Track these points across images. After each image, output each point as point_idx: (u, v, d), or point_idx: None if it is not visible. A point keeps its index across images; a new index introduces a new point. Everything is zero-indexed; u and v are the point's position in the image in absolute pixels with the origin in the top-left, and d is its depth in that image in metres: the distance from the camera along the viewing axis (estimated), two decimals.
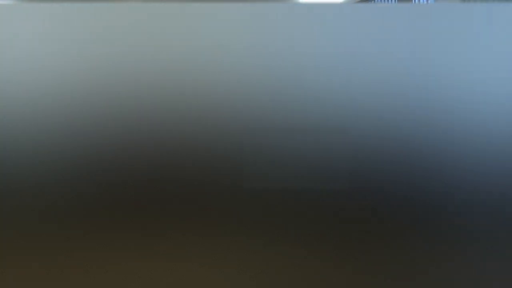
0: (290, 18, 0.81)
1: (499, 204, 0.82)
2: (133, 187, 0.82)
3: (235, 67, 0.81)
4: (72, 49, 0.81)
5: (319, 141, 0.82)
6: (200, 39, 0.81)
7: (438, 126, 0.82)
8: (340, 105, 0.81)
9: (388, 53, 0.81)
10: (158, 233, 0.83)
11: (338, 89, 0.81)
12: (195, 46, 0.81)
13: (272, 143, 0.82)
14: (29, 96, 0.81)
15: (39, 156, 0.82)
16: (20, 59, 0.81)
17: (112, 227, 0.83)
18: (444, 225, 0.83)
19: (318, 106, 0.81)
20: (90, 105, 0.81)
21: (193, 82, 0.81)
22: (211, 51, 0.81)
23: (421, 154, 0.82)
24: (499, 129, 0.82)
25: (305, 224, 0.83)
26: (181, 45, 0.81)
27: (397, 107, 0.81)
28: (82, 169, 0.82)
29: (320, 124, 0.81)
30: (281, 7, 0.80)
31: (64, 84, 0.81)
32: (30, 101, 0.81)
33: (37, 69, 0.81)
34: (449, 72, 0.81)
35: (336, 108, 0.81)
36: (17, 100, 0.81)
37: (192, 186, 0.82)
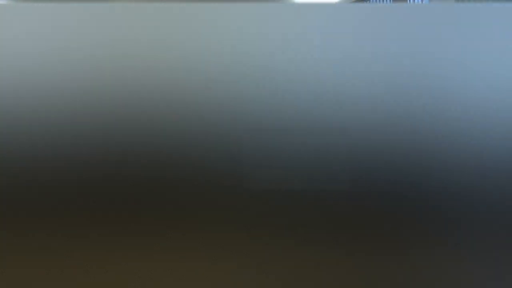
0: (288, 18, 0.81)
1: (499, 204, 0.83)
2: (133, 187, 0.82)
3: (235, 67, 0.82)
4: (71, 49, 0.81)
5: (319, 141, 0.82)
6: (200, 39, 0.82)
7: (436, 125, 0.82)
8: (339, 104, 0.82)
9: (384, 53, 0.82)
10: (158, 233, 0.83)
11: (337, 89, 0.82)
12: (195, 46, 0.82)
13: (272, 143, 0.82)
14: (28, 95, 0.82)
15: (38, 156, 0.82)
16: (19, 58, 0.81)
17: (112, 227, 0.83)
18: (444, 225, 0.83)
19: (318, 106, 0.82)
20: (90, 105, 0.82)
21: (193, 82, 0.82)
22: (211, 51, 0.82)
23: (421, 154, 0.82)
24: (498, 129, 0.82)
25: (305, 224, 0.83)
26: (181, 45, 0.82)
27: (394, 107, 0.82)
28: (82, 169, 0.82)
29: (318, 124, 0.82)
30: (279, 7, 0.81)
31: (63, 83, 0.82)
32: (29, 101, 0.82)
33: (36, 68, 0.81)
34: (444, 71, 0.82)
35: (336, 108, 0.82)
36: (16, 100, 0.82)
37: (192, 186, 0.83)
